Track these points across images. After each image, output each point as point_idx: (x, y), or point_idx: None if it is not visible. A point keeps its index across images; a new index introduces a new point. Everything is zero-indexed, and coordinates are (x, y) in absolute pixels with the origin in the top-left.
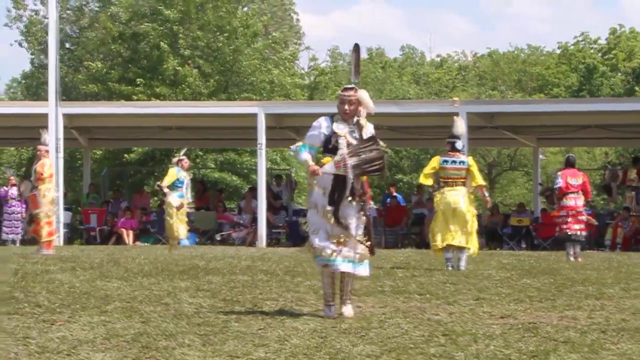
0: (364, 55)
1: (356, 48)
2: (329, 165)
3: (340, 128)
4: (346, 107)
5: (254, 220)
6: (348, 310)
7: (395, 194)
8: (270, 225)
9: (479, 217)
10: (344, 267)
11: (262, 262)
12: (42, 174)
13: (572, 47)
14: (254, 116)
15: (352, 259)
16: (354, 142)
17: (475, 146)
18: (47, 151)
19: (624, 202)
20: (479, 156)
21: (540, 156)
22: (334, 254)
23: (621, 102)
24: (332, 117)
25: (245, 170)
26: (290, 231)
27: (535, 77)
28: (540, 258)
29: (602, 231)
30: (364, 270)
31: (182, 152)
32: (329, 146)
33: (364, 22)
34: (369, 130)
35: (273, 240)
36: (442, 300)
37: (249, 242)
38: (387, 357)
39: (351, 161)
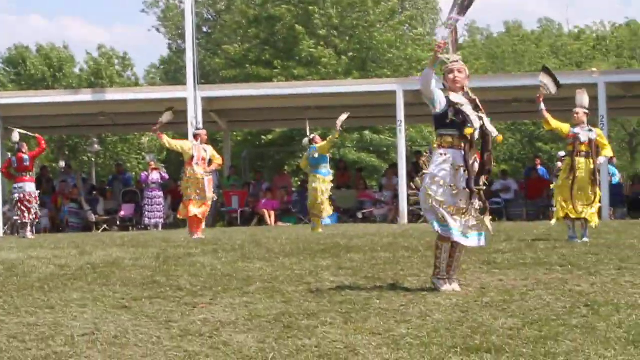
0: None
1: (453, 26)
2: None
3: (458, 99)
4: (456, 75)
5: (395, 197)
6: (455, 286)
7: (539, 166)
8: (411, 202)
9: (619, 186)
10: (469, 241)
11: (403, 239)
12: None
13: None
14: (392, 93)
15: (476, 232)
16: (472, 112)
17: (614, 116)
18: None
19: None
20: (619, 126)
21: None
22: (461, 227)
23: None
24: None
25: (384, 149)
26: None
27: None
28: None
29: None
30: (483, 241)
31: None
32: (446, 120)
33: None
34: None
35: (415, 217)
36: (584, 271)
37: (390, 219)
38: (528, 329)
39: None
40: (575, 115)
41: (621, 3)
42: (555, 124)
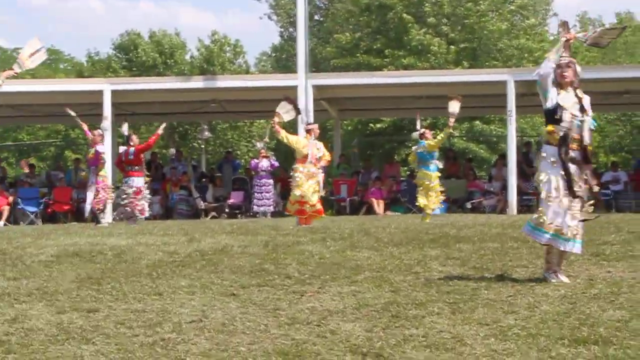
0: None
1: (564, 24)
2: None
3: (566, 100)
4: (564, 71)
5: (505, 187)
6: (564, 278)
7: None
8: (521, 192)
9: None
10: (575, 248)
11: (512, 229)
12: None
13: None
14: (503, 83)
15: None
16: (578, 114)
17: None
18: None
19: None
20: None
21: None
22: (570, 233)
23: None
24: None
25: (495, 139)
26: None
27: None
28: None
29: None
30: (578, 248)
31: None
32: (555, 117)
33: None
34: (586, 101)
35: (524, 208)
36: None
37: (499, 210)
38: (636, 321)
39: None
40: None
41: None
42: None
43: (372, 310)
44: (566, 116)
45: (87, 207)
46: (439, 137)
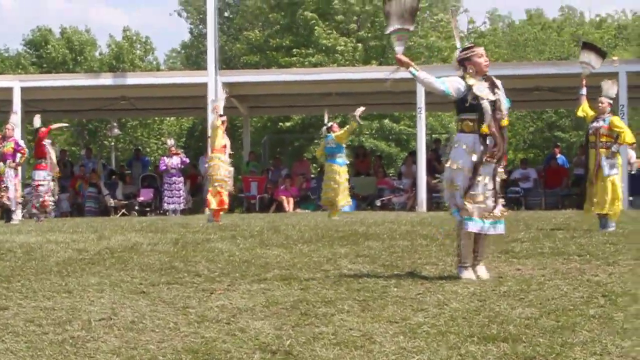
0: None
1: (454, 15)
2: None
3: (480, 90)
4: (486, 58)
5: (414, 185)
6: (483, 270)
7: (558, 155)
8: (430, 190)
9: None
10: (489, 228)
11: (421, 227)
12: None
13: None
14: (412, 80)
15: (494, 220)
16: (491, 96)
17: (636, 105)
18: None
19: None
20: None
21: None
22: (478, 213)
23: None
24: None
25: (404, 137)
26: None
27: None
28: None
29: None
30: (501, 228)
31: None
32: (465, 105)
33: None
34: (499, 84)
35: (433, 205)
36: (602, 261)
37: (409, 207)
38: (546, 319)
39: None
40: (600, 105)
41: None
42: (588, 111)
43: (281, 308)
44: (485, 105)
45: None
46: (346, 128)
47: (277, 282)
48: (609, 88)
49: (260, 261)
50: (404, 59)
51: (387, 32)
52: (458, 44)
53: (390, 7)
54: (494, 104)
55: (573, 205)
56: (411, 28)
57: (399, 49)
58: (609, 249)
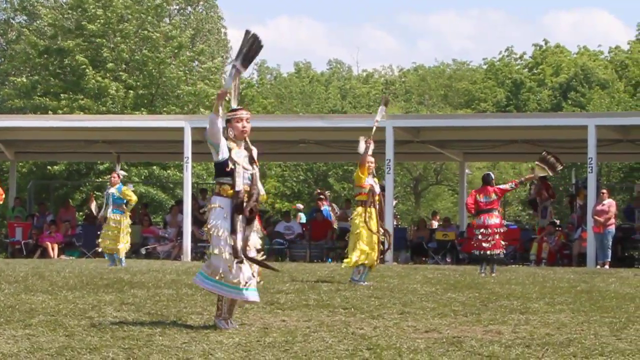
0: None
1: (236, 71)
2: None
3: (238, 155)
4: (245, 124)
5: (180, 234)
6: (235, 325)
7: (322, 207)
8: (195, 239)
9: (403, 230)
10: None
11: (186, 276)
12: None
13: (498, 62)
14: (180, 130)
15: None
16: (249, 167)
17: (401, 160)
18: None
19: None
20: (405, 170)
21: (467, 171)
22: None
23: (547, 117)
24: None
25: (171, 184)
26: None
27: (462, 92)
28: (465, 272)
29: (527, 246)
30: (254, 296)
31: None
32: (226, 169)
33: (289, 36)
34: (254, 152)
35: (198, 254)
36: (367, 314)
37: (174, 256)
38: None
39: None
40: (370, 165)
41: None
42: (363, 172)
43: (46, 354)
44: (239, 170)
45: None
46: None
47: (42, 328)
48: (368, 147)
49: (25, 307)
50: (222, 94)
51: (230, 63)
52: (233, 104)
53: (244, 45)
54: (251, 177)
55: (337, 257)
56: (243, 71)
57: (227, 85)
58: (374, 302)
